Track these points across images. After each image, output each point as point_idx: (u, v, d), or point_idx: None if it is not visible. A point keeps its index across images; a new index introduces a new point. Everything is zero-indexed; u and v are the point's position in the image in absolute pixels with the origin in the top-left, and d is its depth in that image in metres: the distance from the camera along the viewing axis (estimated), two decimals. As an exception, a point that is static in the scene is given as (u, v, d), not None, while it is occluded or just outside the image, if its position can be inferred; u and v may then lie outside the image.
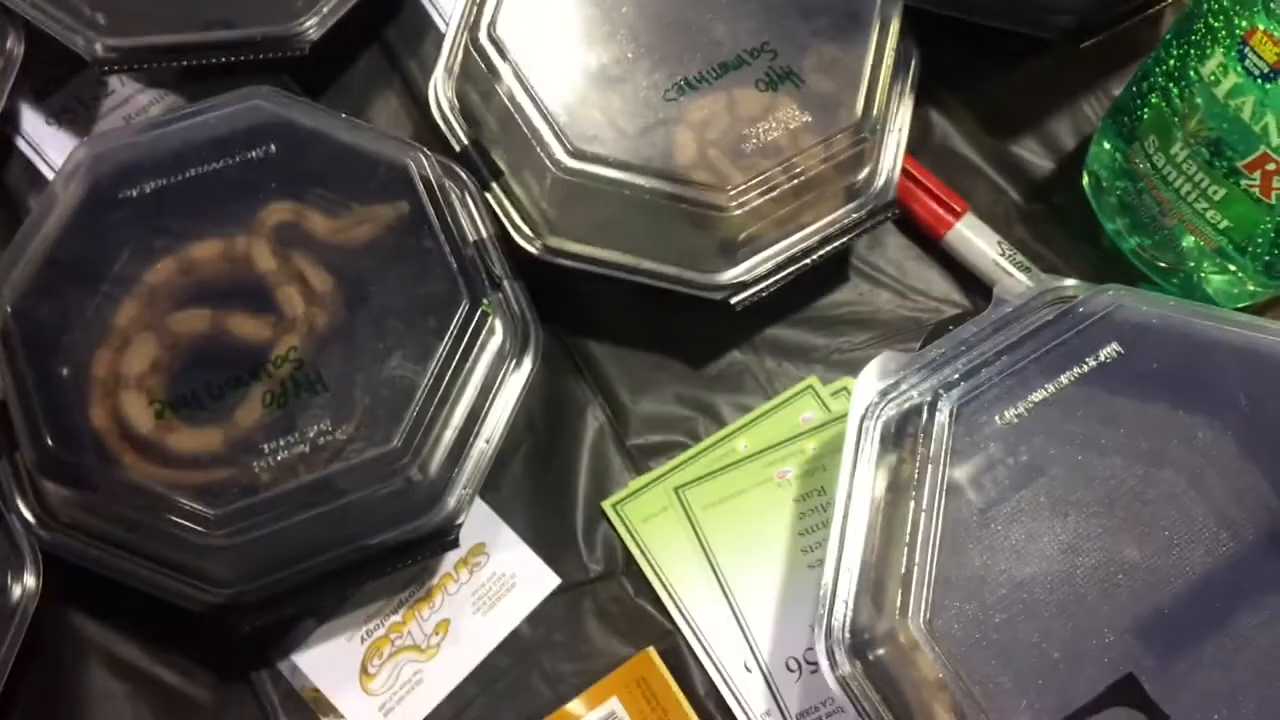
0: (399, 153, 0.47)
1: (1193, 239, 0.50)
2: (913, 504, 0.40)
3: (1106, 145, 0.53)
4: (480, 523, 0.49)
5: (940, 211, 0.54)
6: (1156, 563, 0.40)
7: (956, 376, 0.43)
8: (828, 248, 0.50)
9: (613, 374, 0.52)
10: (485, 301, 0.45)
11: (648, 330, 0.53)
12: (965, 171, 0.57)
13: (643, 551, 0.49)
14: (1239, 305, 0.52)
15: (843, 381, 0.52)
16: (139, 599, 0.43)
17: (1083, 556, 0.40)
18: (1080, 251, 0.55)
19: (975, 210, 0.55)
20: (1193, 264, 0.51)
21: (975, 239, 0.54)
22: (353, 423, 0.42)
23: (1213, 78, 0.45)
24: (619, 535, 0.49)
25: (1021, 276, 0.53)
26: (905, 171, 0.53)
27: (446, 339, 0.44)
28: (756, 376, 0.53)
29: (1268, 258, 0.48)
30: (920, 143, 0.56)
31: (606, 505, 0.50)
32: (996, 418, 0.42)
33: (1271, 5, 0.42)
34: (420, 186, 0.46)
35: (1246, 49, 0.43)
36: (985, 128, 0.57)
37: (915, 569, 0.39)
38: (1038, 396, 0.42)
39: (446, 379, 0.43)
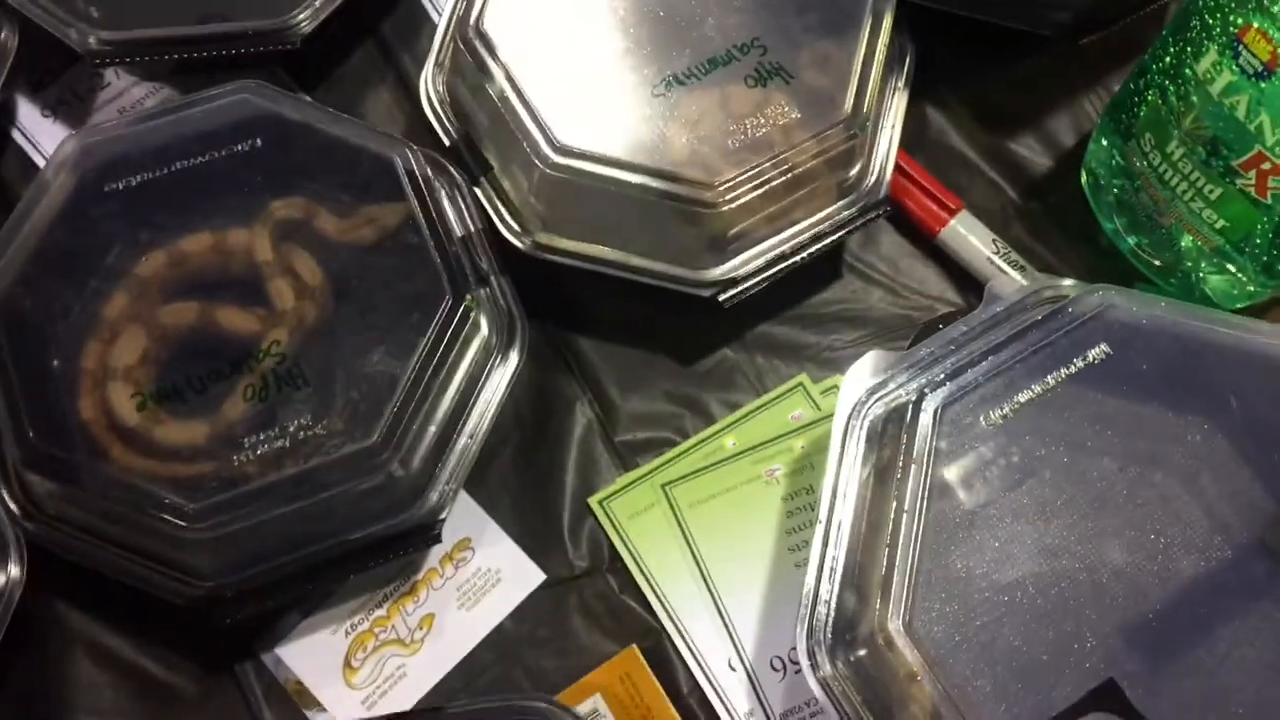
0: (386, 147, 0.47)
1: (1190, 238, 0.49)
2: (895, 504, 0.40)
3: (1104, 143, 0.52)
4: (466, 518, 0.49)
5: (935, 209, 0.54)
6: (1144, 566, 0.39)
7: (943, 376, 0.42)
8: (818, 245, 0.50)
9: (601, 370, 0.52)
10: (469, 297, 0.45)
11: (637, 326, 0.52)
12: (961, 168, 0.56)
13: (629, 548, 0.49)
14: (1238, 305, 0.51)
15: (833, 380, 0.52)
16: (124, 590, 0.44)
17: (1069, 559, 0.39)
18: (1078, 250, 0.55)
19: (971, 208, 0.54)
20: (1191, 264, 0.51)
21: (970, 237, 0.53)
22: (333, 417, 0.42)
23: (1207, 75, 0.44)
24: (605, 531, 0.49)
25: (1016, 275, 0.52)
26: (899, 168, 0.52)
27: (429, 334, 0.44)
28: (746, 374, 0.52)
29: (1266, 258, 0.48)
30: (916, 139, 0.56)
31: (593, 501, 0.50)
32: (982, 418, 0.41)
33: (1266, 2, 0.42)
34: (406, 182, 0.46)
35: (1241, 47, 0.43)
36: (982, 124, 0.57)
37: (896, 569, 0.39)
38: (1024, 397, 0.41)
39: (429, 375, 0.43)
